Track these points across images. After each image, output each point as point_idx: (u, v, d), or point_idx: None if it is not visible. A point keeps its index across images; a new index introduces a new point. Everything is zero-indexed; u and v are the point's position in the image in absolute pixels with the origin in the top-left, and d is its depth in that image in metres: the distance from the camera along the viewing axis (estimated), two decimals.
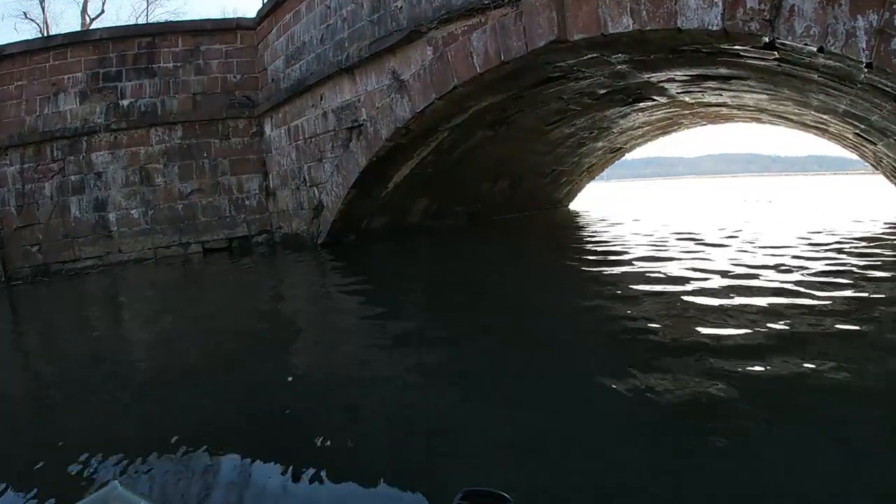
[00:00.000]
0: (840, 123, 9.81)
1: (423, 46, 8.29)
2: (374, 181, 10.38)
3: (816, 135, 13.73)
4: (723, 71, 7.64)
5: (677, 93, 9.93)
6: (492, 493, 1.12)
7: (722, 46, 6.01)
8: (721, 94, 10.06)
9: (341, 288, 7.00)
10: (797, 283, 5.25)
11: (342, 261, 9.55)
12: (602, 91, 9.23)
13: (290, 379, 3.39)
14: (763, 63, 6.55)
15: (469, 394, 3.00)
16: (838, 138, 12.54)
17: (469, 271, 7.84)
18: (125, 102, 11.72)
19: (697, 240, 8.87)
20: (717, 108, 12.11)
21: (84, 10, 26.31)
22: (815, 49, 4.99)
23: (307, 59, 11.18)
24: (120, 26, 12.62)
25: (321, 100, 10.93)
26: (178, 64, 11.99)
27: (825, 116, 9.93)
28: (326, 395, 3.14)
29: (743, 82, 8.34)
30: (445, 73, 7.83)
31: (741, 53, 6.24)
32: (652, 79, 8.54)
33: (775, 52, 5.75)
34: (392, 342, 4.17)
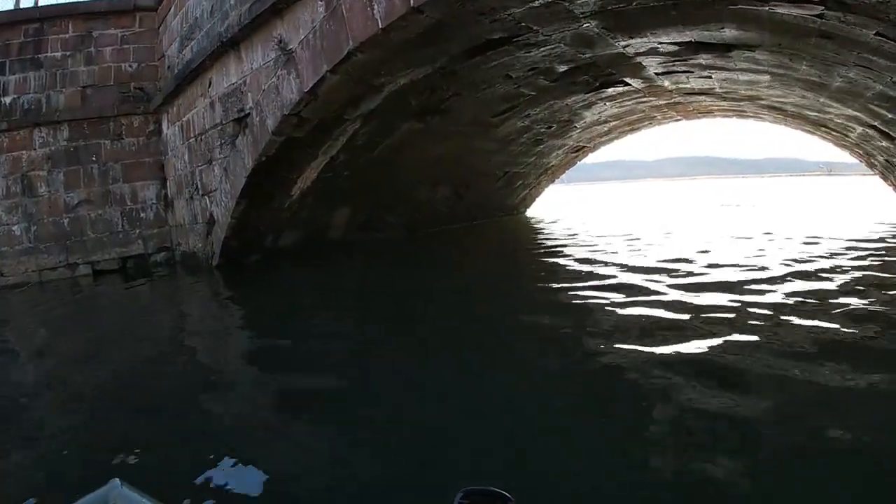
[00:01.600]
0: (858, 113, 7.82)
1: (315, 1, 5.93)
2: (272, 187, 8.06)
3: (808, 130, 11.85)
4: (727, 33, 5.49)
5: (657, 73, 7.79)
6: (493, 491, 1.09)
7: None
8: (710, 77, 7.97)
9: (227, 326, 5.47)
10: None
11: (236, 288, 7.65)
12: (562, 68, 7.01)
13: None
14: (795, 13, 4.41)
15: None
16: (835, 133, 10.63)
17: (394, 302, 6.00)
18: (7, 99, 9.94)
19: (725, 284, 5.38)
20: (699, 98, 10.06)
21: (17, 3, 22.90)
22: None
23: (198, 38, 8.89)
24: (6, 11, 10.39)
25: (209, 86, 8.67)
26: (68, 53, 10.24)
27: (837, 105, 7.94)
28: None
29: (747, 54, 6.23)
30: (338, 34, 5.49)
31: None
32: (628, 49, 6.35)
33: None
34: (272, 410, 3.19)
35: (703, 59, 6.74)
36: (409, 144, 8.85)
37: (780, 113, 10.39)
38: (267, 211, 8.50)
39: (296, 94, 6.34)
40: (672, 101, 10.20)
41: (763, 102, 9.59)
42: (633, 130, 13.74)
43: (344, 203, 9.78)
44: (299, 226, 9.43)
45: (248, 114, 7.53)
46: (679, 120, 13.24)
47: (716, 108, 11.30)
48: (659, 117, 12.41)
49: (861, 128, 8.91)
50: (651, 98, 9.83)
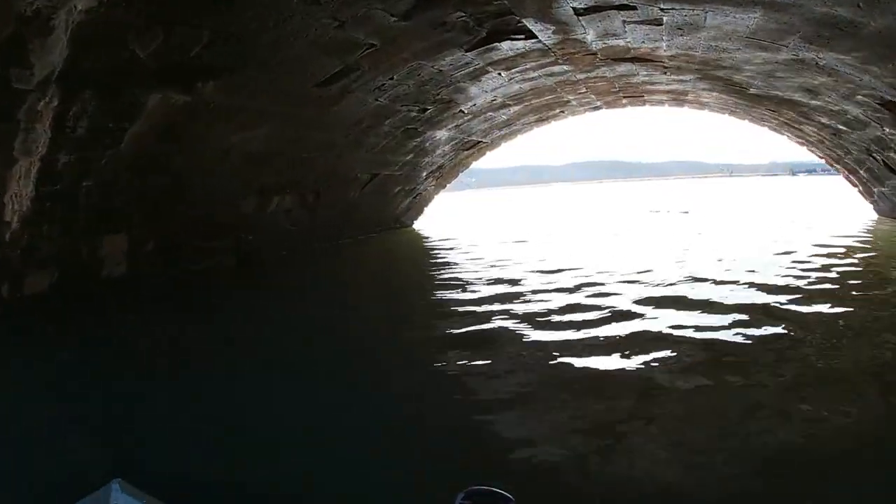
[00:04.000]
0: (874, 80, 5.10)
1: None
2: None
3: (760, 117, 9.34)
4: None
5: (578, 10, 4.71)
6: (494, 492, 1.07)
7: None
8: (660, 22, 4.99)
9: None
10: None
11: None
12: None
13: None
14: None
15: None
16: (805, 119, 8.08)
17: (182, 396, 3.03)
18: None
19: None
20: (632, 70, 7.18)
21: None
22: None
23: None
24: None
25: None
26: None
27: (847, 67, 5.18)
28: None
29: None
30: None
31: None
32: None
33: None
34: None
35: None
36: (182, 131, 5.40)
37: (736, 92, 7.67)
38: None
39: None
40: (594, 72, 7.24)
41: (719, 73, 6.79)
42: (540, 121, 10.77)
43: (111, 227, 6.18)
44: (47, 264, 5.78)
45: None
46: (598, 108, 10.40)
47: (649, 88, 8.48)
48: (574, 102, 9.48)
49: (859, 110, 6.27)
50: (566, 67, 6.81)
